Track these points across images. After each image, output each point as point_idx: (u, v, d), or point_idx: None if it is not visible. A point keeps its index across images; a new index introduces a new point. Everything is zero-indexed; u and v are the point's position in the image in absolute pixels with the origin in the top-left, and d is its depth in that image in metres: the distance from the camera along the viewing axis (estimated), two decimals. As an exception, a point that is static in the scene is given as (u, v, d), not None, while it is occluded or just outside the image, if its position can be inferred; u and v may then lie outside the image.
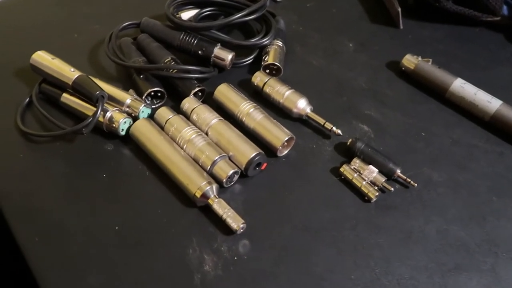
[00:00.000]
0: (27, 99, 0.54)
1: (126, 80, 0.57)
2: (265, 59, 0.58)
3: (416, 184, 0.48)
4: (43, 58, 0.53)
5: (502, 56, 0.64)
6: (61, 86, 0.52)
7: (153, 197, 0.47)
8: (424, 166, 0.50)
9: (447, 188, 0.48)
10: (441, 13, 0.66)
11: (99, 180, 0.48)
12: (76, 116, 0.52)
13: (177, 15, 0.60)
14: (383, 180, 0.47)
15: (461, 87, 0.55)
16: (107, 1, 0.70)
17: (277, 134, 0.50)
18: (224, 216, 0.43)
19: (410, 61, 0.59)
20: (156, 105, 0.55)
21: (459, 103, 0.56)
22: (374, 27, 0.68)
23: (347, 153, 0.51)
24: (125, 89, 0.54)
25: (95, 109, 0.50)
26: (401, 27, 0.67)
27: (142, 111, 0.52)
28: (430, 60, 0.58)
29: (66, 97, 0.52)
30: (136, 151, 0.50)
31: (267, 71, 0.59)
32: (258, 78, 0.56)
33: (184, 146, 0.49)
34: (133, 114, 0.52)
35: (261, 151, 0.48)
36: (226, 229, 0.44)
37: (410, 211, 0.47)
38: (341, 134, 0.52)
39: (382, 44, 0.65)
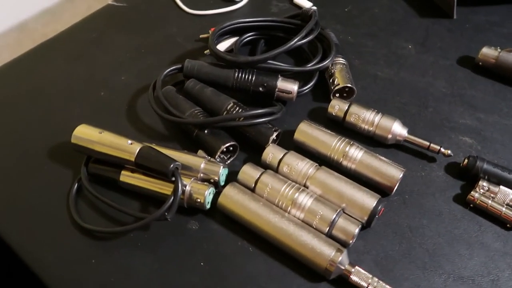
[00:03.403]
0: (76, 185, 0.45)
1: (180, 138, 0.49)
2: (335, 82, 0.51)
3: (559, 198, 0.42)
4: (88, 134, 0.43)
5: None
6: (118, 163, 0.43)
7: (270, 279, 0.39)
8: (552, 173, 0.45)
9: None
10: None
11: (198, 270, 0.39)
12: (141, 195, 0.43)
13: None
14: (523, 201, 0.41)
15: (559, 74, 0.50)
16: (124, 45, 0.60)
17: (389, 172, 0.42)
18: (371, 288, 0.36)
19: (488, 54, 0.53)
20: (228, 161, 0.47)
21: (557, 92, 0.51)
22: (426, 21, 0.61)
23: (463, 175, 0.45)
24: (184, 149, 0.46)
25: (165, 183, 0.42)
26: (455, 16, 0.61)
27: (222, 174, 0.43)
28: (513, 49, 0.53)
29: (127, 175, 0.43)
30: (228, 224, 0.42)
31: (337, 95, 0.51)
32: (337, 107, 0.48)
33: (289, 209, 0.41)
34: (211, 180, 0.43)
35: (379, 196, 0.41)
36: (371, 300, 0.37)
37: None
38: (452, 154, 0.45)
39: (443, 40, 0.59)
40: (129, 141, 0.42)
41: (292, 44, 0.49)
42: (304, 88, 0.52)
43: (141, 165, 0.41)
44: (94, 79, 0.56)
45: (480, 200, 0.42)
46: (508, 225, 0.41)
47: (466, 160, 0.44)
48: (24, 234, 0.42)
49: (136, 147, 0.42)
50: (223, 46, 0.56)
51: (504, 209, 0.41)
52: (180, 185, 0.40)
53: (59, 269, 0.40)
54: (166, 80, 0.53)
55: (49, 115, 0.52)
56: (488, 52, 0.53)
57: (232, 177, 0.44)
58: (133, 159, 0.41)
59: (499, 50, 0.53)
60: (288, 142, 0.47)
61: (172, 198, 0.40)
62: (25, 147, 0.49)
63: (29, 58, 0.59)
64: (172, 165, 0.40)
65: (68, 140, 0.44)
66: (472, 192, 0.42)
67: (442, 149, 0.45)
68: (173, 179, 0.41)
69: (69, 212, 0.43)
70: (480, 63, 0.54)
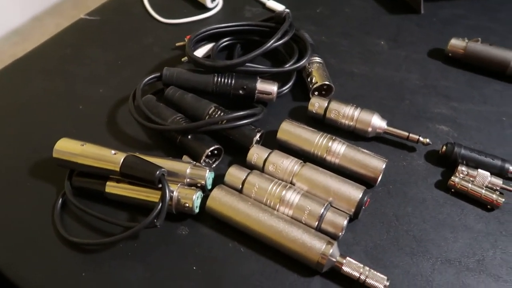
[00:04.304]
0: (60, 200, 0.44)
1: (164, 146, 0.49)
2: (312, 80, 0.52)
3: (534, 177, 0.44)
4: (70, 147, 0.43)
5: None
6: (102, 174, 0.43)
7: (264, 277, 0.39)
8: (525, 154, 0.46)
9: (562, 172, 0.45)
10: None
11: (192, 275, 0.39)
12: (128, 205, 0.43)
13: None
14: (501, 182, 0.43)
15: (524, 60, 0.52)
16: (99, 58, 0.59)
17: (372, 164, 0.43)
18: (363, 278, 0.37)
19: (457, 45, 0.55)
20: (214, 165, 0.47)
21: (524, 77, 0.53)
22: (395, 18, 0.63)
23: (443, 162, 0.46)
24: (168, 156, 0.46)
25: (152, 191, 0.42)
26: (423, 11, 0.63)
27: (209, 178, 0.44)
28: (479, 39, 0.55)
29: (113, 186, 0.43)
30: (218, 227, 0.42)
31: (316, 93, 0.52)
32: (317, 104, 0.49)
33: (277, 206, 0.41)
34: (198, 184, 0.43)
35: (365, 187, 0.42)
36: (364, 290, 0.37)
37: (541, 208, 0.42)
38: (431, 143, 0.46)
39: (413, 34, 0.61)
40: (113, 151, 0.42)
41: (269, 46, 0.50)
42: (284, 88, 0.53)
43: (126, 175, 0.41)
44: (71, 94, 0.55)
45: (461, 185, 0.43)
46: (488, 206, 0.42)
47: (444, 147, 0.46)
48: (10, 254, 0.41)
49: (120, 157, 0.41)
50: (200, 52, 0.57)
51: (483, 191, 0.42)
52: (167, 191, 0.40)
53: (50, 286, 0.39)
54: (145, 89, 0.52)
55: (28, 132, 0.51)
56: (456, 43, 0.55)
57: (218, 181, 0.44)
58: (118, 169, 0.41)
59: (466, 40, 0.55)
60: (272, 142, 0.48)
61: (161, 204, 0.40)
62: (6, 165, 0.48)
63: (4, 76, 0.58)
64: (158, 172, 0.40)
65: (50, 156, 0.43)
66: (452, 178, 0.44)
67: (421, 138, 0.46)
68: (160, 185, 0.40)
69: (55, 228, 0.42)
70: (450, 54, 0.56)
